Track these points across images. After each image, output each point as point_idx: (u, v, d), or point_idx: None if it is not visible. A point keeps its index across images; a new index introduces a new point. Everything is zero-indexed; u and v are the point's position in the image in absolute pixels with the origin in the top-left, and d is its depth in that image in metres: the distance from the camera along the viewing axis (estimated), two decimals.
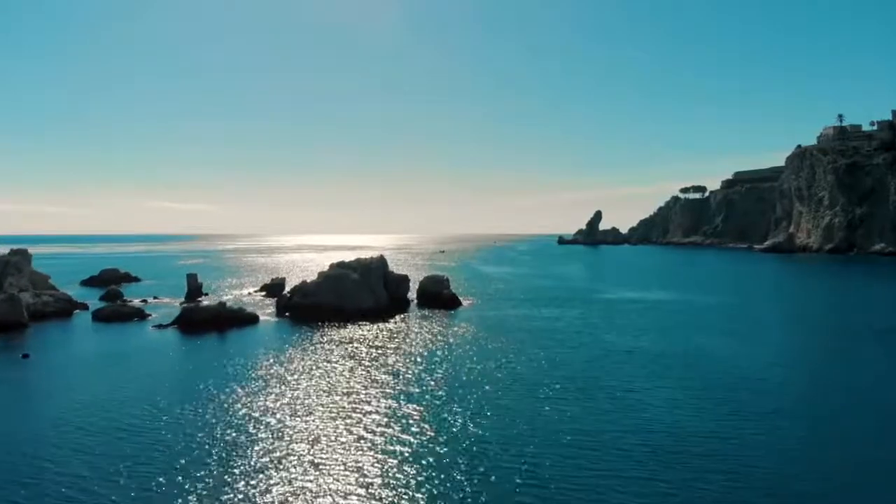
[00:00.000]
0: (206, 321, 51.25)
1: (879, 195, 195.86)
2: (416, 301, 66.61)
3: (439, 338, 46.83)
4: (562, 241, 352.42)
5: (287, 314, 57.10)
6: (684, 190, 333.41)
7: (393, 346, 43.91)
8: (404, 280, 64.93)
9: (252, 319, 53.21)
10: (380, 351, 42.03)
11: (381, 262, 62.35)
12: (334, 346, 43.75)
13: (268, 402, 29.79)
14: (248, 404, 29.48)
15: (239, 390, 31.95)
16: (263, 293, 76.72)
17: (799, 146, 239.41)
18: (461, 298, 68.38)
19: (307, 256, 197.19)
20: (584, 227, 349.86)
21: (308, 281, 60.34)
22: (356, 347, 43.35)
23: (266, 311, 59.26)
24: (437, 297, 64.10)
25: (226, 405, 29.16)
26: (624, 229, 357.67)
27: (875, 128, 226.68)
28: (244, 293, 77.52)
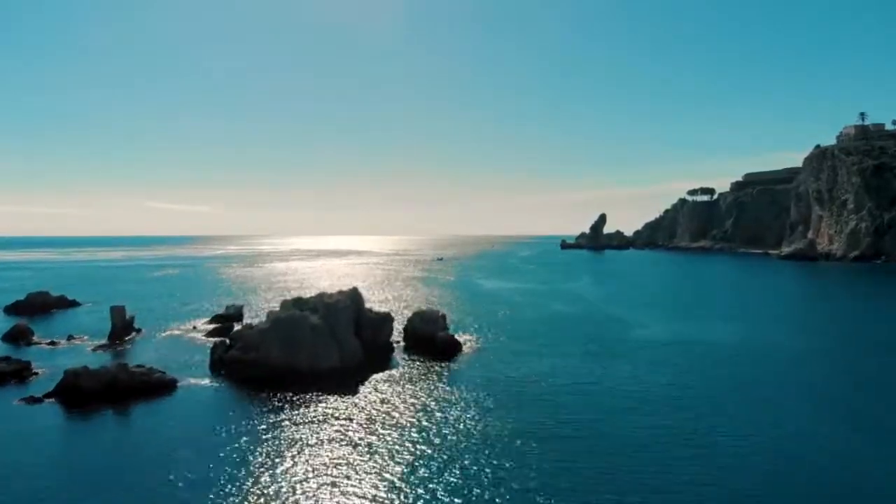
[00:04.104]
0: (99, 391, 36.02)
1: None
2: (402, 344, 51.40)
3: (427, 422, 31.69)
4: (564, 244, 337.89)
5: (223, 372, 41.82)
6: (692, 192, 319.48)
7: (358, 437, 28.73)
8: (385, 321, 49.31)
9: (166, 386, 37.99)
10: (338, 449, 26.89)
11: (353, 298, 46.87)
12: (272, 438, 28.60)
13: None
14: None
15: None
16: (216, 326, 61.35)
17: (818, 146, 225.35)
18: (460, 336, 53.32)
19: (294, 266, 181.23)
20: (586, 230, 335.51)
21: (254, 324, 45.05)
22: (303, 442, 28.19)
23: (198, 367, 43.90)
24: (430, 341, 48.84)
25: None
26: (626, 231, 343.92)
27: None
28: (190, 327, 62.14)
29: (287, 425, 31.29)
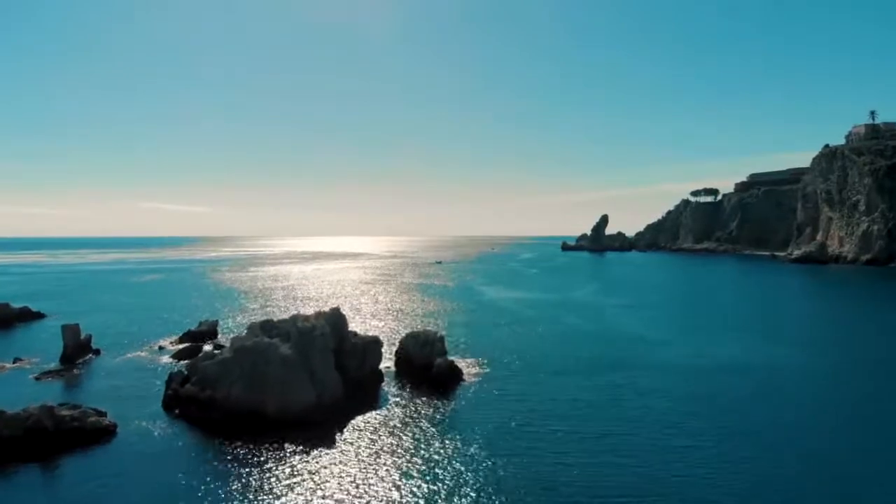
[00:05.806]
0: (19, 440, 29.34)
1: None
2: (393, 370, 44.72)
3: (417, 487, 24.92)
4: (566, 246, 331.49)
5: (177, 411, 35.08)
6: (695, 193, 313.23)
7: None
8: (371, 346, 42.26)
9: (104, 432, 31.26)
10: None
11: (333, 321, 39.94)
12: None
13: None
14: None
15: None
16: (184, 346, 54.51)
17: (827, 146, 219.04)
18: (460, 361, 46.47)
19: (285, 270, 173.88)
20: (587, 231, 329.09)
21: (218, 350, 38.29)
22: None
23: (150, 404, 37.06)
24: (426, 368, 42.13)
25: None
26: (628, 232, 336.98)
27: None
28: (155, 347, 55.27)
29: (242, 490, 24.63)
